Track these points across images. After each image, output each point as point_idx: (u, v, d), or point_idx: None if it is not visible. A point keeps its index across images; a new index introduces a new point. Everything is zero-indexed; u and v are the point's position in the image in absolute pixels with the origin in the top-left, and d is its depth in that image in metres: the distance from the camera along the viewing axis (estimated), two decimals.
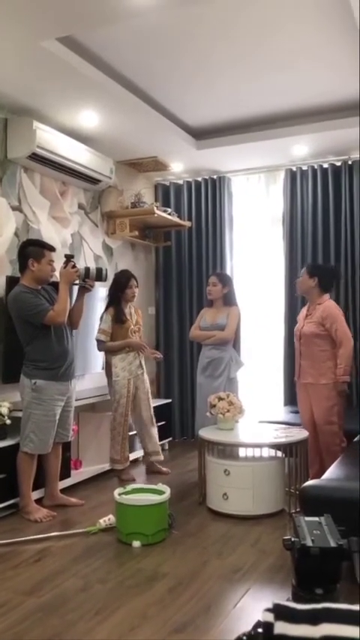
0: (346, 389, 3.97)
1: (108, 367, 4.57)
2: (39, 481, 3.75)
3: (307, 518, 1.61)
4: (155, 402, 5.51)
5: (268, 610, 0.84)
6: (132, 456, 4.71)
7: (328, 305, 4.03)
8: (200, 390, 4.59)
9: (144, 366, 4.65)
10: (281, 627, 0.81)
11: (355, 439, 3.85)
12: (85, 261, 5.03)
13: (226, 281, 4.71)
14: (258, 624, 0.88)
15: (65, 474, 4.09)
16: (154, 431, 4.67)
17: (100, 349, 4.60)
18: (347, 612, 0.81)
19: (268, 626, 0.82)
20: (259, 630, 0.85)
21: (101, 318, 4.60)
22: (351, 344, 3.94)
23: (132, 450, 4.77)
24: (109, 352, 4.54)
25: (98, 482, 4.40)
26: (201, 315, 4.79)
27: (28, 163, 4.23)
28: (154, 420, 4.69)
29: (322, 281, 4.09)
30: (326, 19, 3.30)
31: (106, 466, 4.57)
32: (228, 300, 4.65)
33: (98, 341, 4.55)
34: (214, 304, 4.69)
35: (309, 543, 1.41)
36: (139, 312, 4.78)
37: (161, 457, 4.70)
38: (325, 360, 3.96)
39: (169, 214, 5.59)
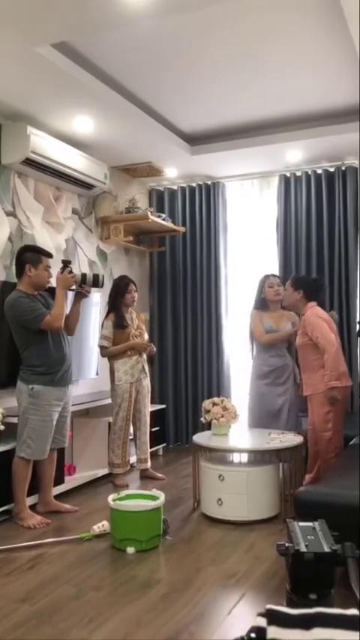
0: (335, 395, 3.82)
1: (111, 372, 4.58)
2: (33, 487, 3.73)
3: (302, 524, 1.60)
4: (150, 408, 5.51)
5: (261, 615, 0.84)
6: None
7: (309, 314, 4.00)
8: (264, 399, 4.46)
9: (147, 371, 4.66)
10: (274, 632, 0.81)
11: (352, 442, 3.85)
12: (80, 266, 5.03)
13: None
14: (252, 630, 0.87)
15: (59, 480, 4.07)
16: (147, 438, 4.68)
17: (103, 355, 4.62)
18: (340, 617, 0.80)
19: (260, 631, 0.82)
20: (252, 635, 0.85)
21: (102, 324, 4.62)
22: (333, 349, 3.86)
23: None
24: (112, 357, 4.55)
25: (92, 489, 4.38)
26: (258, 318, 4.54)
27: (22, 168, 4.23)
28: (147, 428, 4.70)
29: (307, 293, 4.08)
30: (320, 26, 3.32)
31: (100, 472, 4.55)
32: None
33: (101, 347, 4.57)
34: (270, 307, 4.54)
35: (303, 549, 1.40)
36: (140, 317, 4.80)
37: (147, 465, 4.68)
38: (318, 368, 3.90)
39: (164, 220, 5.60)
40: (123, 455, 4.49)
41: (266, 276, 4.67)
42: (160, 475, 4.66)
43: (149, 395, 4.72)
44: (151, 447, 5.36)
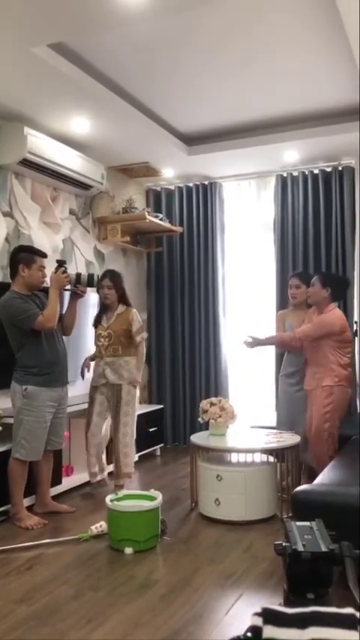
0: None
1: None
2: (30, 488, 3.73)
3: (299, 523, 1.60)
4: (147, 408, 5.50)
5: (257, 614, 0.84)
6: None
7: (332, 314, 4.04)
8: (286, 398, 4.42)
9: (108, 375, 4.20)
10: (270, 631, 0.81)
11: (352, 438, 3.86)
12: (77, 266, 5.02)
13: (309, 281, 4.30)
14: (248, 629, 0.87)
15: (57, 480, 4.07)
16: (122, 449, 4.19)
17: None
18: (335, 615, 0.81)
19: (256, 630, 0.82)
20: (249, 635, 0.85)
21: None
22: (293, 339, 4.03)
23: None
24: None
25: (90, 489, 4.37)
26: (280, 318, 4.56)
27: (19, 169, 4.23)
28: (127, 438, 4.21)
29: (334, 291, 4.08)
30: (316, 27, 3.32)
31: None
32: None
33: None
34: (294, 306, 4.50)
35: (300, 548, 1.40)
36: (127, 316, 4.27)
37: (124, 481, 4.19)
38: (328, 363, 3.97)
39: (161, 220, 5.60)
40: (88, 464, 4.25)
41: (290, 276, 4.67)
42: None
43: (120, 403, 4.18)
44: (149, 447, 5.37)
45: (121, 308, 4.33)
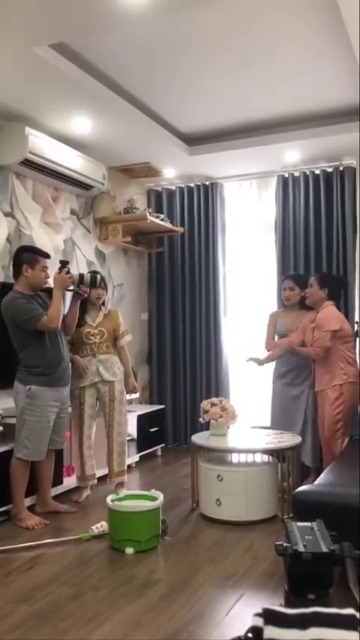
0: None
1: None
2: (31, 488, 3.73)
3: (300, 524, 1.60)
4: (148, 408, 5.51)
5: (258, 615, 0.84)
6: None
7: (325, 311, 4.07)
8: (280, 399, 4.41)
9: (102, 373, 4.13)
10: (270, 632, 0.81)
11: (353, 439, 3.86)
12: (78, 267, 5.02)
13: (303, 283, 4.39)
14: (249, 630, 0.88)
15: (58, 480, 4.07)
16: (117, 449, 4.19)
17: None
18: (336, 616, 0.81)
19: (257, 631, 0.82)
20: (249, 635, 0.85)
21: None
22: (314, 356, 4.06)
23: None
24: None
25: (91, 489, 4.36)
26: (272, 319, 4.56)
27: (20, 169, 4.23)
28: (122, 437, 4.21)
29: (331, 291, 4.14)
30: (317, 28, 3.32)
31: (99, 473, 4.53)
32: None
33: None
34: (288, 307, 4.49)
35: (301, 549, 1.40)
36: (112, 317, 4.29)
37: (123, 479, 4.21)
38: (337, 360, 4.00)
39: (162, 220, 5.60)
40: (80, 468, 4.16)
41: (284, 277, 4.68)
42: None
43: (114, 402, 4.14)
44: (150, 447, 5.37)
45: (104, 308, 4.34)
